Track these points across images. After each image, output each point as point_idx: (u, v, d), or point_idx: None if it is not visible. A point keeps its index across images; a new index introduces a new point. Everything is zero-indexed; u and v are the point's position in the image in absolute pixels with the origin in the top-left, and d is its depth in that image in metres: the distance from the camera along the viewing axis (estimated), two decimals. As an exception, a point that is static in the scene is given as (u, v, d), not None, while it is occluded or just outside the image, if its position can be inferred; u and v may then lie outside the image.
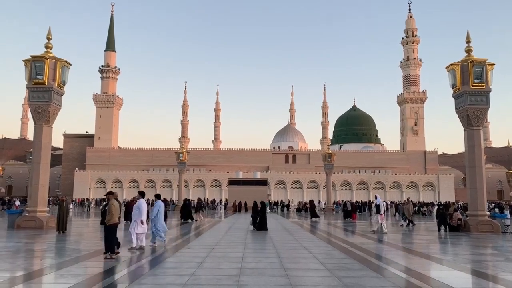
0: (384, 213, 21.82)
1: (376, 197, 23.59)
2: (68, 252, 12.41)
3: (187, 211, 29.53)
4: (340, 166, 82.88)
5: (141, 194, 13.38)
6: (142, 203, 12.88)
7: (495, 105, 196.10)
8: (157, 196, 15.00)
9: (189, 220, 28.63)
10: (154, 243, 13.63)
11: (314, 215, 33.18)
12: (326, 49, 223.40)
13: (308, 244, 15.33)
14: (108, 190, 13.47)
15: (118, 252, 11.34)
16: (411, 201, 29.95)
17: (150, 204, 31.39)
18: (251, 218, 22.35)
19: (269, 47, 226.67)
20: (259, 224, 21.37)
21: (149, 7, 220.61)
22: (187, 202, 30.99)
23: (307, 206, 54.89)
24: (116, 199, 12.82)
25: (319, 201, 70.38)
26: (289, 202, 67.44)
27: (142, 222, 12.69)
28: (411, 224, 25.71)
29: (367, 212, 46.57)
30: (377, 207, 22.06)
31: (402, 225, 25.84)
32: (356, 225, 27.65)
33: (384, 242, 16.77)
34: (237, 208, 49.18)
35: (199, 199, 34.99)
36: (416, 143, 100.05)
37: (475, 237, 18.99)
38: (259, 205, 23.14)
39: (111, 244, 11.06)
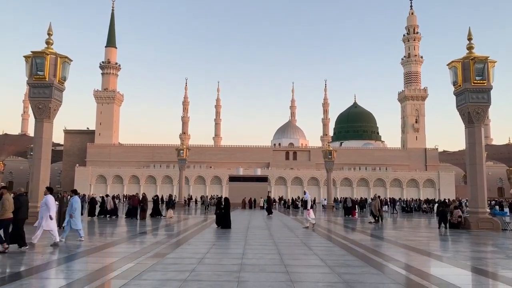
0: (311, 208, 21.85)
1: (305, 193, 23.49)
2: (69, 248, 12.44)
3: (156, 207, 29.25)
4: (340, 163, 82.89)
5: (49, 190, 13.50)
6: (49, 199, 12.92)
7: (496, 103, 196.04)
8: (74, 192, 15.05)
9: (158, 217, 28.04)
10: (64, 238, 13.80)
11: (268, 211, 35.02)
12: (327, 46, 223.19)
13: (308, 240, 15.36)
14: (1, 185, 13.69)
15: (7, 248, 11.18)
16: (379, 197, 30.03)
17: (164, 199, 30.98)
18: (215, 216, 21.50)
19: (270, 43, 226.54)
20: (222, 221, 20.47)
21: (150, 3, 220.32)
22: (155, 198, 30.96)
23: (296, 202, 56.13)
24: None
25: (299, 197, 68.82)
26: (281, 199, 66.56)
27: (51, 218, 12.68)
28: (380, 221, 25.78)
29: (367, 210, 46.52)
30: (305, 202, 22.07)
31: (370, 222, 25.93)
32: (356, 222, 27.68)
33: (384, 239, 16.80)
34: (248, 205, 49.70)
35: (170, 195, 34.65)
36: (417, 140, 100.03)
37: (475, 234, 19.01)
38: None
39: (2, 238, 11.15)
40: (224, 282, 7.78)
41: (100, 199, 28.96)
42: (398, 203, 46.32)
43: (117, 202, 30.93)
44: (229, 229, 19.63)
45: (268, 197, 37.23)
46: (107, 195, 30.05)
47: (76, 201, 14.23)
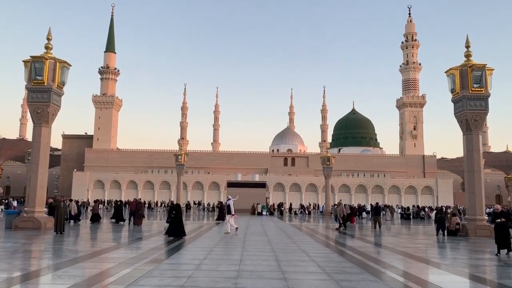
0: (234, 213, 21.61)
1: (228, 198, 22.89)
2: (65, 253, 12.38)
3: (119, 213, 28.58)
4: (339, 169, 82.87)
5: None
6: None
7: (494, 110, 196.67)
8: None
9: (121, 223, 27.37)
10: None
11: (220, 217, 33.42)
12: (326, 52, 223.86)
13: (306, 247, 15.31)
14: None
15: None
16: (344, 204, 30.10)
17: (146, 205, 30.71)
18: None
19: (269, 49, 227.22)
20: (173, 229, 18.39)
21: (149, 9, 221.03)
22: (118, 203, 30.49)
23: (281, 208, 56.44)
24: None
25: (283, 203, 67.24)
26: (273, 205, 65.11)
27: None
28: (342, 227, 26.08)
29: (367, 216, 46.44)
30: (228, 207, 21.83)
31: (337, 228, 26.04)
32: (354, 228, 27.64)
33: (382, 246, 16.77)
34: (254, 211, 49.75)
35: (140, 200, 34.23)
36: (415, 147, 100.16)
37: (473, 241, 18.98)
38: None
39: None
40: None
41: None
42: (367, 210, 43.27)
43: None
44: (182, 237, 17.76)
45: (220, 202, 35.89)
46: (70, 200, 29.71)
47: None
